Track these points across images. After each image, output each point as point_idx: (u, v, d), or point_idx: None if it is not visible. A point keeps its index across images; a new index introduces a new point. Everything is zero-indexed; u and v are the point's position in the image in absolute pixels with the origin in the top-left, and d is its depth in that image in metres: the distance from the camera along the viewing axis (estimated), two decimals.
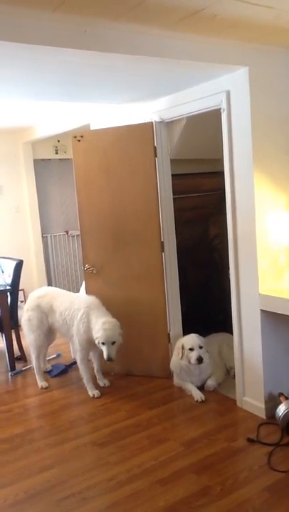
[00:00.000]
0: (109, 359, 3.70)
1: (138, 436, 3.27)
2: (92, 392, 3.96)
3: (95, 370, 4.18)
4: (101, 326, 3.71)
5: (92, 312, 3.86)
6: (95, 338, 3.75)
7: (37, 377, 4.27)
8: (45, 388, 4.20)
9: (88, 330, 3.83)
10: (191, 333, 3.97)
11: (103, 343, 3.69)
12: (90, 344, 3.89)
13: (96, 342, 3.75)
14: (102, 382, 4.15)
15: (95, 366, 4.17)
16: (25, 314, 4.21)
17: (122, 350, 4.32)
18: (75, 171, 4.26)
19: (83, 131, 4.26)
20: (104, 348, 3.70)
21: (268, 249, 3.30)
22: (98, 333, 3.70)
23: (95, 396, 3.93)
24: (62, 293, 4.27)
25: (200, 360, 3.77)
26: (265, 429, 3.24)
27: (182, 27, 2.67)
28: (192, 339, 3.87)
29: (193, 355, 3.79)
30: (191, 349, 3.82)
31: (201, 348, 3.83)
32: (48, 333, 4.26)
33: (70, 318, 3.96)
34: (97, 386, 4.07)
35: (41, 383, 4.23)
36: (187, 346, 3.84)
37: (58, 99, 3.81)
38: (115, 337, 3.73)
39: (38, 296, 4.25)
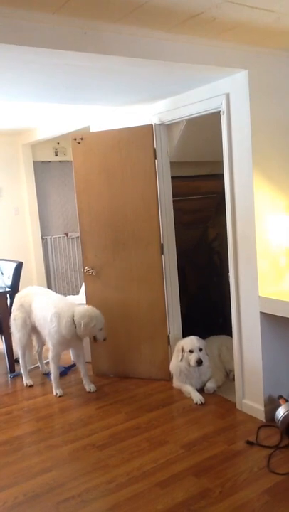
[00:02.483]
0: (105, 339, 3.94)
1: (137, 439, 3.27)
2: (56, 390, 4.06)
3: (82, 375, 4.17)
4: (91, 313, 3.85)
5: (63, 312, 3.90)
6: (89, 326, 3.82)
7: (23, 374, 4.37)
8: (29, 386, 4.30)
9: (60, 330, 3.89)
10: (191, 335, 3.97)
11: (101, 329, 3.89)
12: (61, 344, 4.00)
13: (88, 331, 3.84)
14: (89, 387, 4.13)
15: (82, 371, 4.17)
16: (12, 314, 4.32)
17: (122, 352, 4.33)
18: (75, 173, 4.26)
19: (83, 134, 4.27)
20: (101, 333, 3.91)
21: (268, 251, 3.30)
22: (95, 320, 3.83)
23: (58, 395, 4.03)
24: (40, 293, 4.30)
25: (200, 362, 3.77)
26: (265, 431, 3.23)
27: (182, 30, 2.67)
28: (192, 341, 3.87)
29: (193, 358, 3.79)
30: (191, 351, 3.82)
31: (200, 350, 3.83)
32: (35, 333, 4.34)
33: (42, 318, 4.04)
34: (84, 390, 4.07)
35: (26, 381, 4.33)
36: (187, 348, 3.84)
37: (58, 101, 3.82)
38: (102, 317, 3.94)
39: (21, 296, 4.34)
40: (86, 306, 3.97)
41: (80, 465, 3.00)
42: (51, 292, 4.38)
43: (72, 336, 3.90)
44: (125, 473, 2.87)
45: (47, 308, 4.01)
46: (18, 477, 2.92)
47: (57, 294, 4.33)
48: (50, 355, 4.07)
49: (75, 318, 3.85)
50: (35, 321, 4.16)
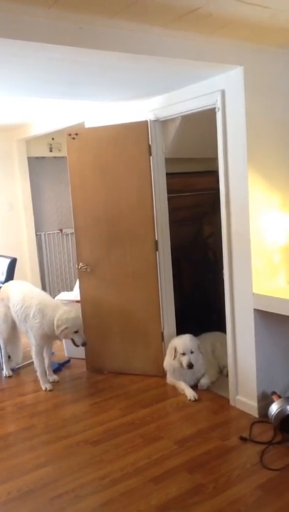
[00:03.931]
0: (84, 343, 3.96)
1: (131, 435, 3.27)
2: (45, 385, 4.11)
3: (46, 366, 4.24)
4: (67, 315, 3.87)
5: (45, 308, 3.96)
6: (61, 329, 3.85)
7: (3, 366, 4.49)
8: (8, 377, 4.41)
9: (42, 325, 3.94)
10: (185, 332, 3.98)
11: (76, 332, 3.89)
12: (44, 339, 4.04)
13: (63, 333, 3.87)
14: (52, 377, 4.27)
15: (46, 362, 4.24)
16: None
17: (116, 348, 4.33)
18: (70, 169, 4.25)
19: (78, 129, 4.25)
20: (77, 336, 3.91)
21: (262, 248, 3.31)
22: (67, 324, 3.85)
23: (47, 389, 4.07)
24: (18, 288, 4.31)
25: (190, 366, 3.79)
26: (258, 427, 3.25)
27: (178, 25, 2.67)
28: (184, 344, 3.86)
29: (184, 360, 3.81)
30: (183, 354, 3.83)
31: (192, 352, 3.83)
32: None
33: (21, 314, 4.06)
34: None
35: (6, 372, 4.46)
36: (179, 350, 3.84)
37: (53, 96, 3.80)
38: (81, 322, 3.99)
39: (2, 290, 4.41)
40: (65, 308, 3.97)
41: (74, 461, 3.01)
42: (33, 287, 4.40)
43: (53, 333, 3.95)
44: (119, 469, 2.88)
45: (29, 303, 4.03)
46: (11, 473, 2.92)
47: (39, 290, 4.39)
48: (33, 350, 4.10)
49: (54, 319, 3.89)
50: (13, 314, 4.19)
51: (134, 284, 4.17)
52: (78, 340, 3.94)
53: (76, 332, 3.91)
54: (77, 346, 4.00)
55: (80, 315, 4.11)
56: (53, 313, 3.92)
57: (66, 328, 3.86)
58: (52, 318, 3.90)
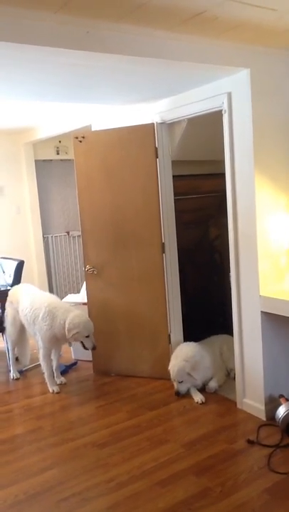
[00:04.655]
0: (94, 347, 3.96)
1: (138, 438, 3.27)
2: (52, 387, 4.11)
3: (54, 368, 4.25)
4: (78, 319, 3.85)
5: (55, 310, 3.95)
6: (73, 333, 3.84)
7: (11, 368, 4.50)
8: (16, 379, 4.43)
9: (52, 328, 3.94)
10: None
11: (87, 336, 3.87)
12: (52, 342, 4.04)
13: (74, 337, 3.86)
14: (59, 379, 4.28)
15: (54, 364, 4.25)
16: (6, 309, 4.43)
17: (123, 350, 4.33)
18: (77, 172, 4.26)
19: (85, 132, 4.27)
20: (88, 340, 3.89)
21: (269, 250, 3.30)
22: (78, 328, 3.83)
23: (55, 391, 4.08)
24: (27, 291, 4.33)
25: (177, 394, 3.81)
26: (265, 430, 3.23)
27: (184, 29, 2.67)
28: (172, 372, 3.84)
29: (175, 385, 3.83)
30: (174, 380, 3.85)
31: (181, 382, 3.80)
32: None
33: (30, 317, 4.06)
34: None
35: (13, 374, 4.48)
36: (171, 375, 3.85)
37: (60, 100, 3.81)
38: (93, 327, 3.96)
39: (11, 293, 4.42)
40: (76, 312, 3.95)
41: (81, 463, 3.01)
42: (41, 291, 4.42)
43: (62, 336, 3.95)
44: (125, 472, 2.87)
45: (38, 305, 4.03)
46: (18, 475, 2.93)
47: (48, 293, 4.41)
48: (40, 353, 4.10)
49: (66, 322, 3.88)
50: (22, 317, 4.20)
51: (141, 286, 4.18)
52: (89, 344, 3.92)
53: (87, 336, 3.90)
54: (87, 350, 3.99)
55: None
56: (63, 316, 3.90)
57: (77, 332, 3.84)
58: (62, 321, 3.89)
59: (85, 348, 3.97)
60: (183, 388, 3.82)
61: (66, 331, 3.86)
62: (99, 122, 4.72)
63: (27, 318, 4.11)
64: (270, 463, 2.86)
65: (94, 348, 3.97)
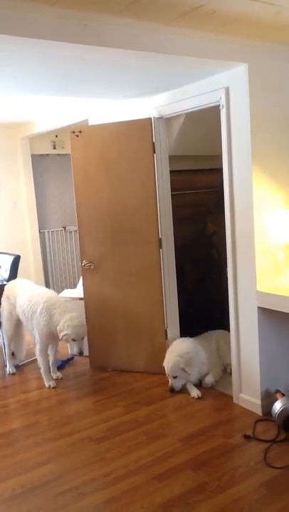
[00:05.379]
0: (81, 353, 3.93)
1: (135, 432, 3.28)
2: (48, 382, 4.12)
3: (50, 363, 4.26)
4: (70, 322, 3.84)
5: (54, 307, 3.95)
6: (62, 334, 3.85)
7: (7, 363, 4.51)
8: (12, 374, 4.43)
9: (49, 324, 3.94)
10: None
11: (73, 340, 3.86)
12: (49, 337, 4.03)
13: (63, 338, 3.87)
14: (56, 375, 4.29)
15: (50, 359, 4.26)
16: (1, 304, 4.42)
17: (120, 346, 4.34)
18: (73, 167, 4.25)
19: (82, 127, 4.25)
20: (74, 344, 3.88)
21: (266, 246, 3.30)
22: (67, 330, 3.83)
23: (51, 386, 4.09)
24: (25, 286, 4.33)
25: (172, 390, 3.81)
26: (262, 425, 3.25)
27: (182, 23, 2.66)
28: (167, 367, 3.84)
29: (169, 381, 3.83)
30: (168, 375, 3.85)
31: (175, 377, 3.80)
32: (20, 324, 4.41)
33: (28, 312, 4.06)
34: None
35: (9, 369, 4.49)
36: (165, 371, 3.86)
37: (57, 94, 3.79)
38: (85, 332, 3.93)
39: (7, 287, 4.42)
40: (72, 314, 3.92)
41: (78, 458, 3.01)
42: (39, 286, 4.42)
43: (58, 334, 3.95)
44: (123, 467, 2.88)
45: (36, 300, 4.03)
46: (15, 469, 2.93)
47: (46, 288, 4.41)
48: (37, 348, 4.11)
49: (60, 323, 3.88)
50: (19, 312, 4.19)
51: (138, 281, 4.17)
52: (74, 348, 3.93)
53: (74, 340, 3.88)
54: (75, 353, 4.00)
55: (85, 323, 4.03)
56: (60, 316, 3.90)
57: (66, 334, 3.86)
58: (58, 322, 3.89)
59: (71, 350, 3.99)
60: (177, 384, 3.83)
61: (58, 331, 3.88)
62: (96, 117, 4.70)
63: (25, 313, 4.10)
64: (267, 458, 2.87)
65: (80, 354, 3.95)
